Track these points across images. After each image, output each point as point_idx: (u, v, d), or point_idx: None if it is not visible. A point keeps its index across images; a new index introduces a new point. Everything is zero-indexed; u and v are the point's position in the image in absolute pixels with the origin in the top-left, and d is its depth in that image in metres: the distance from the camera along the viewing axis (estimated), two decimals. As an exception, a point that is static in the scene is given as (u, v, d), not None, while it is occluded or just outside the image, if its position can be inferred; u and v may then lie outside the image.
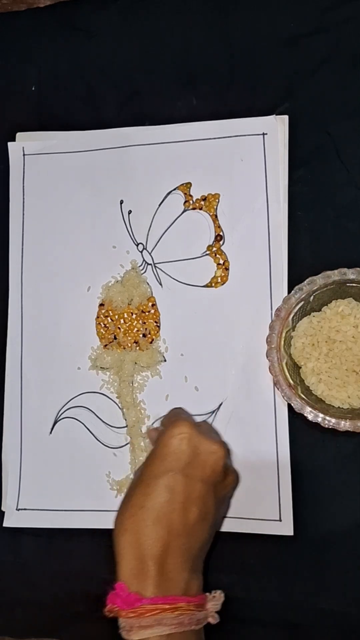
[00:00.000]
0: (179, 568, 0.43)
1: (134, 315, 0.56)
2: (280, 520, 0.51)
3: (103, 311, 0.57)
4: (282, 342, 0.50)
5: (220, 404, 0.54)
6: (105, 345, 0.57)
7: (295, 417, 0.52)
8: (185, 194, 0.56)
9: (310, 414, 0.48)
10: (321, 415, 0.48)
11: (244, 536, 0.52)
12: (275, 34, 0.55)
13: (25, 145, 0.59)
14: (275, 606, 0.52)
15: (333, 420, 0.48)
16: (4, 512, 0.57)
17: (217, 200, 0.55)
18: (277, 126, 0.54)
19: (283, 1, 0.55)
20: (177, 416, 0.47)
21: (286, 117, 0.54)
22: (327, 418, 0.48)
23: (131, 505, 0.44)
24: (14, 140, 0.60)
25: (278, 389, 0.49)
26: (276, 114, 0.54)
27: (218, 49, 0.56)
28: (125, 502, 0.45)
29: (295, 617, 0.51)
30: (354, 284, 0.49)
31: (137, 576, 0.42)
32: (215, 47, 0.56)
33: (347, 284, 0.49)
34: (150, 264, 0.56)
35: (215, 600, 0.46)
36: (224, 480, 0.47)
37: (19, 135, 0.60)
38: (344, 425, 0.47)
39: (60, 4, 0.60)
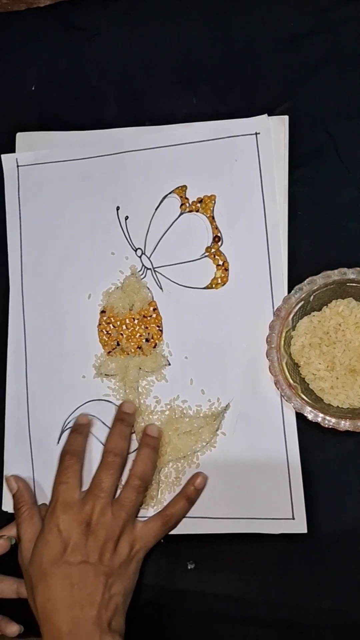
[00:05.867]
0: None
1: (135, 321, 0.56)
2: (293, 518, 0.51)
3: (105, 318, 0.57)
4: (282, 342, 0.50)
5: (228, 405, 0.54)
6: (109, 352, 0.56)
7: (295, 417, 0.52)
8: (181, 197, 0.56)
9: (310, 413, 0.48)
10: (321, 415, 0.48)
11: (243, 536, 0.52)
12: (275, 34, 0.55)
13: (18, 157, 0.59)
14: (275, 606, 0.52)
15: (333, 420, 0.48)
16: (4, 512, 0.57)
17: (213, 202, 0.55)
18: (269, 125, 0.54)
19: (283, 1, 0.55)
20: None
21: (286, 117, 0.54)
22: (327, 418, 0.48)
23: None
24: (14, 139, 0.60)
25: (278, 388, 0.49)
26: (276, 114, 0.54)
27: (218, 49, 0.56)
28: None
29: (295, 617, 0.51)
30: (354, 284, 0.49)
31: None
32: (215, 47, 0.56)
33: (347, 284, 0.49)
34: (150, 269, 0.56)
35: None
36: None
37: (19, 135, 0.60)
38: (344, 425, 0.48)
39: (60, 4, 0.60)
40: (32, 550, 0.51)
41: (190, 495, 0.52)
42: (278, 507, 0.52)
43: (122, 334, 0.56)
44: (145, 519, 0.52)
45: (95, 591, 0.47)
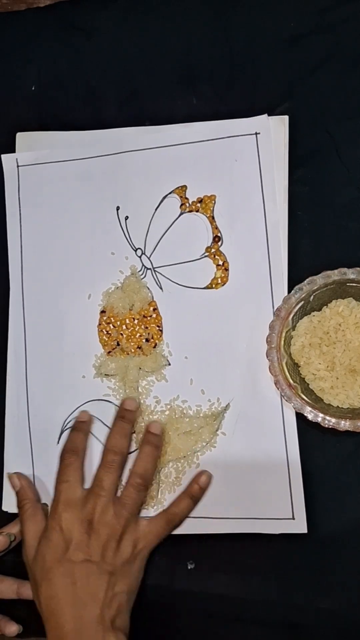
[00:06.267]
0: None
1: (135, 321, 0.56)
2: (293, 518, 0.51)
3: (105, 318, 0.57)
4: (282, 342, 0.50)
5: (228, 405, 0.54)
6: (109, 352, 0.56)
7: (295, 417, 0.52)
8: (181, 197, 0.56)
9: (310, 413, 0.48)
10: (321, 415, 0.48)
11: (243, 536, 0.52)
12: (275, 34, 0.55)
13: (18, 157, 0.59)
14: (275, 606, 0.52)
15: (333, 420, 0.48)
16: (4, 512, 0.57)
17: (213, 202, 0.55)
18: (269, 125, 0.54)
19: (283, 1, 0.55)
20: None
21: (286, 117, 0.54)
22: (327, 418, 0.48)
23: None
24: (14, 139, 0.60)
25: (278, 388, 0.49)
26: (276, 114, 0.54)
27: (218, 49, 0.56)
28: None
29: (295, 617, 0.51)
30: (354, 284, 0.49)
31: None
32: (215, 47, 0.56)
33: (347, 284, 0.49)
34: (150, 269, 0.56)
35: None
36: None
37: (19, 135, 0.60)
38: (344, 425, 0.48)
39: (60, 4, 0.60)
40: (35, 548, 0.51)
41: (194, 493, 0.52)
42: (278, 507, 0.52)
43: (122, 334, 0.56)
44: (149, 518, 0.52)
45: (98, 589, 0.48)
